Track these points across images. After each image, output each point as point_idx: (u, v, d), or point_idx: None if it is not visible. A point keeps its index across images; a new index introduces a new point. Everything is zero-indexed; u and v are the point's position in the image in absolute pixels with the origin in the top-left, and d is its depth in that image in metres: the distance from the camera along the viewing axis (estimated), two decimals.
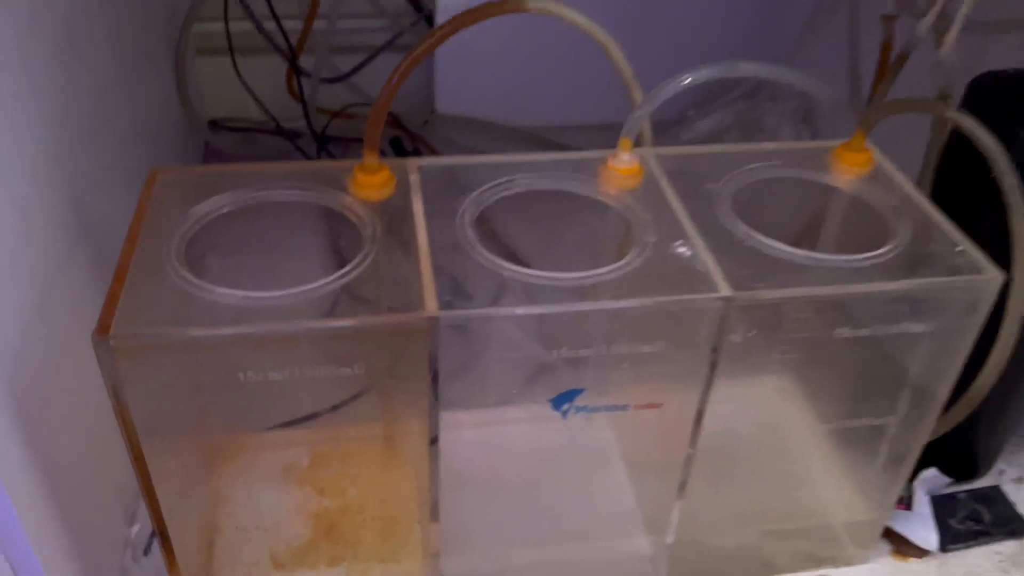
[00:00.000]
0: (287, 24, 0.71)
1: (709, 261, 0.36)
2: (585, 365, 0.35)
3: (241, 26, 0.69)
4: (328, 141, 0.74)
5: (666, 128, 0.78)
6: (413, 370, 0.34)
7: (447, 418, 0.42)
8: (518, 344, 0.34)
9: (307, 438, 0.49)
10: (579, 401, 0.37)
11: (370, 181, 0.39)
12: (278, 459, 0.48)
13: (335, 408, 0.44)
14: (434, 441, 0.36)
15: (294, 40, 0.71)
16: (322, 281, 0.33)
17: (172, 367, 0.33)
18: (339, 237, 0.38)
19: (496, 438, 0.46)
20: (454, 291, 0.34)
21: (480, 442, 0.45)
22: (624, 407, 0.37)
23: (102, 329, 0.31)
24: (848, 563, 0.48)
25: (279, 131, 0.74)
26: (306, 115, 0.72)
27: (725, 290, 0.35)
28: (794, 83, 0.41)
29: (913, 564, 0.49)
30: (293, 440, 0.48)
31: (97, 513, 0.43)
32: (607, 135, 0.43)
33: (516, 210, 0.40)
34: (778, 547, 0.47)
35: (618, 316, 0.34)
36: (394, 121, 0.77)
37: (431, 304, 0.33)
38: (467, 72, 0.80)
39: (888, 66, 0.53)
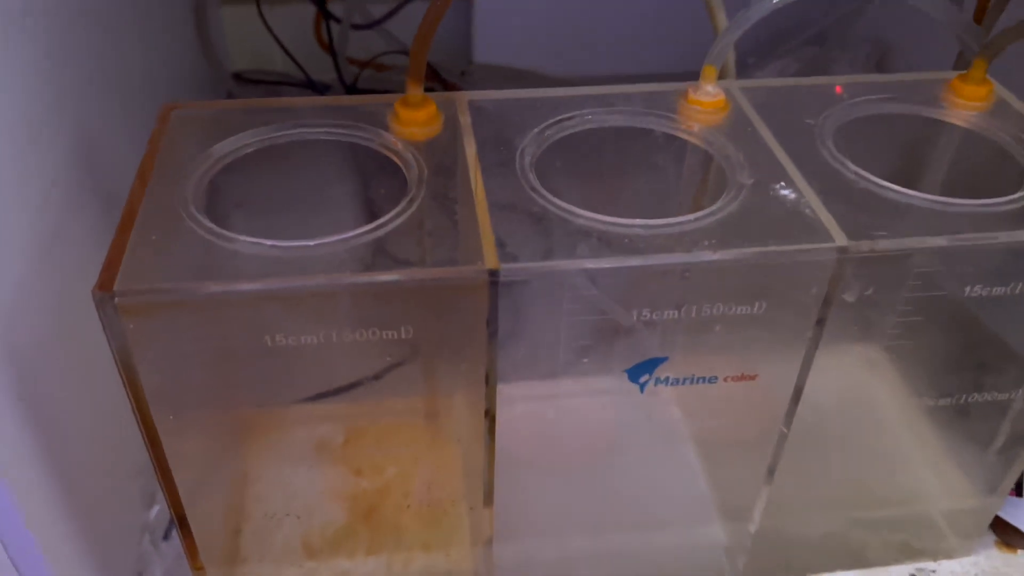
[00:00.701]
0: None
1: (817, 205, 0.30)
2: (669, 330, 0.30)
3: None
4: (358, 93, 0.68)
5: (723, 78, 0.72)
6: (467, 334, 0.29)
7: (500, 392, 0.37)
8: (592, 304, 0.29)
9: (342, 412, 0.44)
10: (660, 372, 0.31)
11: (414, 117, 0.34)
12: (310, 436, 0.43)
13: (375, 378, 0.39)
14: (489, 415, 0.31)
15: None
16: (361, 229, 0.28)
17: (188, 329, 0.28)
18: (378, 181, 0.32)
19: (552, 413, 0.41)
20: (515, 242, 0.29)
21: (535, 418, 0.40)
22: (712, 379, 0.32)
23: (105, 284, 0.26)
24: (949, 555, 0.43)
25: (308, 83, 0.68)
26: (335, 64, 0.66)
27: (840, 239, 0.29)
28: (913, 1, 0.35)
29: (1021, 557, 0.43)
30: (326, 414, 0.44)
31: (110, 493, 0.38)
32: None
33: (582, 150, 0.35)
34: (869, 537, 0.42)
35: (714, 271, 0.29)
36: (428, 71, 0.71)
37: (491, 256, 0.28)
38: (507, 18, 0.74)
39: None
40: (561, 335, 0.30)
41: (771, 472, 0.36)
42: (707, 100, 0.35)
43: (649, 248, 0.28)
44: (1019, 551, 0.43)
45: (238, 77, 0.74)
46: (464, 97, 0.36)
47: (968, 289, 0.31)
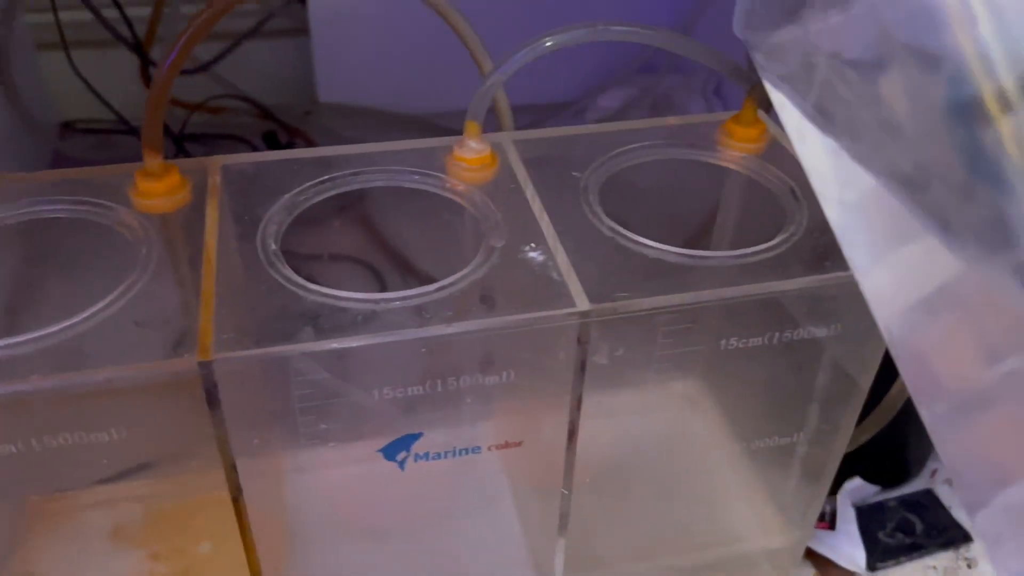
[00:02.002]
0: (138, 12, 0.63)
1: (566, 267, 0.30)
2: (417, 405, 0.29)
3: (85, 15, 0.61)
4: (185, 139, 0.66)
5: (567, 108, 0.72)
6: (192, 425, 0.27)
7: (297, 458, 0.35)
8: (325, 387, 0.27)
9: (140, 490, 0.41)
10: (418, 447, 0.30)
11: (154, 189, 0.32)
12: (106, 519, 0.41)
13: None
14: (236, 499, 0.30)
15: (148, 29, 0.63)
16: (61, 324, 0.26)
17: None
18: (111, 261, 0.30)
19: (359, 476, 0.39)
20: (240, 326, 0.27)
21: (338, 483, 0.38)
22: (475, 450, 0.31)
23: None
24: None
25: (131, 130, 0.65)
26: None
27: (582, 303, 0.28)
28: (675, 48, 0.35)
29: None
30: (123, 494, 0.41)
31: None
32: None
33: (338, 215, 0.33)
34: None
35: (454, 343, 0.27)
36: (266, 113, 0.69)
37: (206, 344, 0.26)
38: (350, 57, 0.72)
39: None
40: (297, 421, 0.28)
41: (564, 524, 0.35)
42: (472, 156, 0.34)
43: (381, 325, 0.27)
44: None
45: (68, 127, 0.71)
46: (218, 162, 0.34)
47: (724, 342, 0.30)
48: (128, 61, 0.66)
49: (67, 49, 0.62)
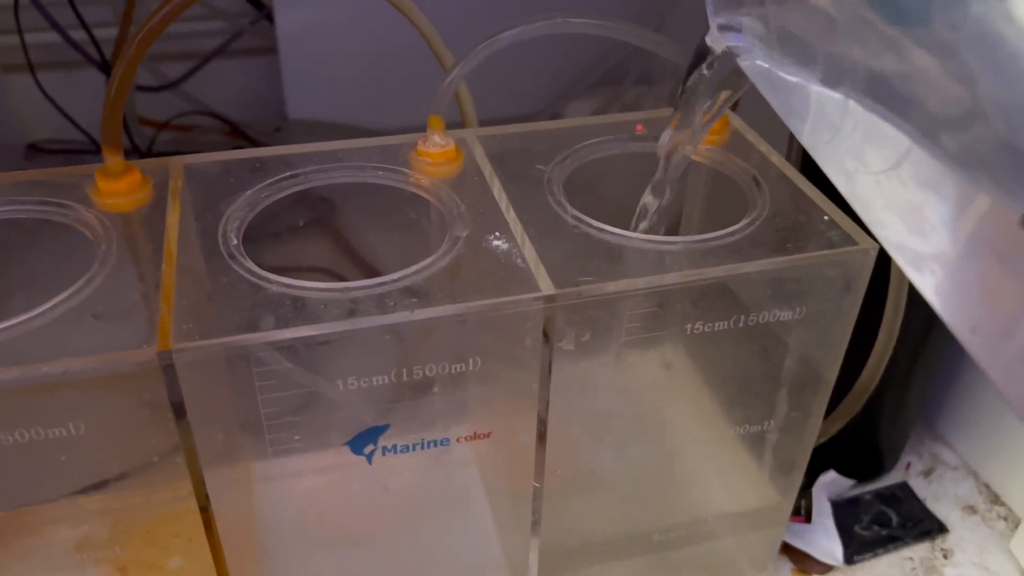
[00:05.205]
0: (105, 33, 0.63)
1: (531, 254, 0.30)
2: (384, 396, 0.28)
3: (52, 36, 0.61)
4: (154, 157, 0.65)
5: (534, 120, 0.72)
6: (161, 429, 0.27)
7: (265, 465, 0.35)
8: (288, 378, 0.27)
9: (107, 503, 0.40)
10: (385, 440, 0.30)
11: (115, 188, 0.31)
12: (71, 533, 0.40)
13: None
14: (205, 509, 0.29)
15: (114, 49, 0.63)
16: (14, 320, 0.26)
17: None
18: (70, 259, 0.30)
19: (329, 481, 0.38)
20: (201, 317, 0.27)
21: (307, 490, 0.37)
22: (444, 442, 0.30)
23: None
24: None
25: (99, 149, 0.65)
26: (127, 129, 0.63)
27: (547, 287, 0.28)
28: (637, 41, 0.35)
29: None
30: (88, 507, 0.40)
31: None
32: None
33: (301, 211, 0.33)
34: None
35: (419, 331, 0.27)
36: (235, 130, 0.69)
37: (166, 334, 0.26)
38: (318, 74, 0.73)
39: None
40: (261, 413, 0.28)
41: (536, 526, 0.35)
42: (436, 151, 0.34)
43: (344, 313, 0.27)
44: None
45: (34, 148, 0.70)
46: (179, 162, 0.34)
47: (690, 327, 0.30)
48: (96, 81, 0.66)
49: (33, 70, 0.62)
